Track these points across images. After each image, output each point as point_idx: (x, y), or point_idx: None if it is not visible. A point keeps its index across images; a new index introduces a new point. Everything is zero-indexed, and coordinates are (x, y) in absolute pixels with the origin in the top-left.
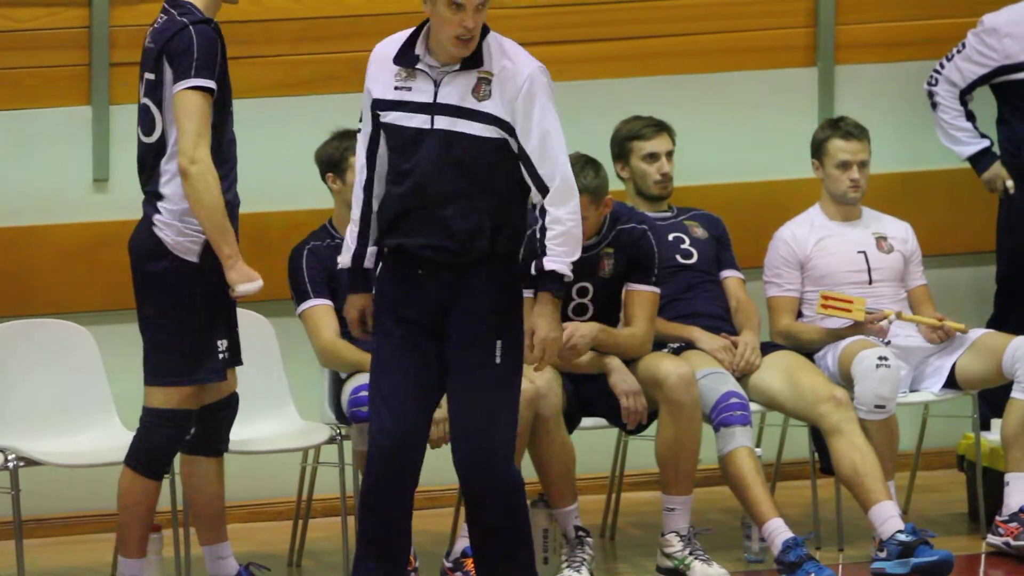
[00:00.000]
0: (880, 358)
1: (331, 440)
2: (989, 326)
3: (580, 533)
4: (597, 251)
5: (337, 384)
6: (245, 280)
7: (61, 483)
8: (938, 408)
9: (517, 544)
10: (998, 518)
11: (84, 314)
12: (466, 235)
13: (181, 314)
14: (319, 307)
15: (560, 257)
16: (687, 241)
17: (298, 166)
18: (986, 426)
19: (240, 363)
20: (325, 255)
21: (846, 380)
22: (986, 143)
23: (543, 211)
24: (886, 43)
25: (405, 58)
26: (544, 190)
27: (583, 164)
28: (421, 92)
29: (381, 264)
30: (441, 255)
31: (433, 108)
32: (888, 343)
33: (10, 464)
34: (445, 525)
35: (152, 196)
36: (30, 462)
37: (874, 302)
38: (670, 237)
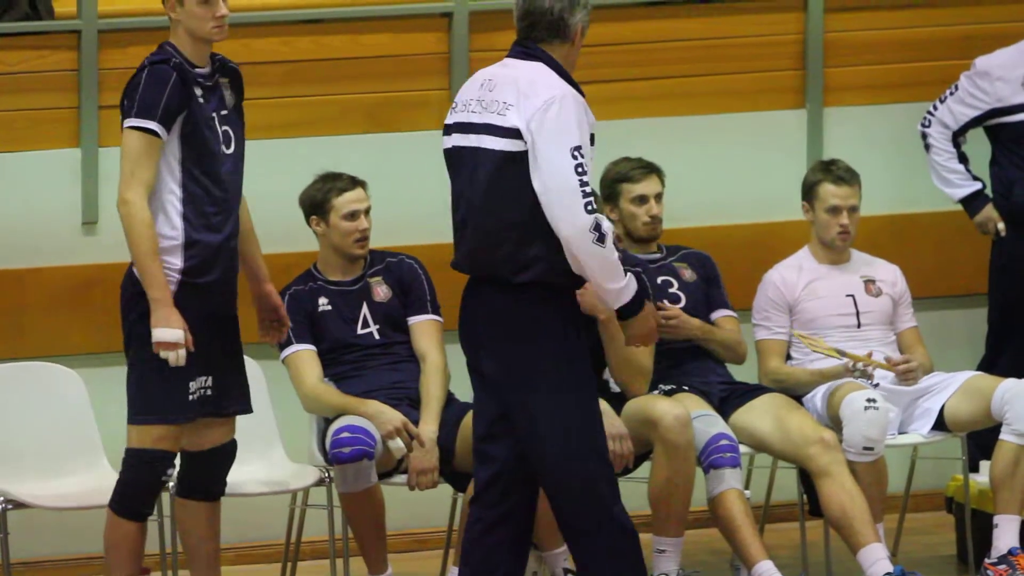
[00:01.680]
0: (868, 400)
1: (319, 482)
2: (980, 368)
3: (569, 575)
4: None
5: (325, 425)
6: (162, 325)
7: (49, 526)
8: (927, 450)
9: None
10: (987, 560)
11: (73, 357)
12: None
13: (151, 351)
14: (302, 352)
15: None
16: (675, 285)
17: (285, 209)
18: (975, 468)
19: (242, 411)
20: (306, 299)
21: (834, 422)
22: (978, 185)
23: None
24: (875, 85)
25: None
26: None
27: None
28: None
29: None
30: None
31: None
32: (876, 385)
33: None
34: (434, 567)
35: None
36: (18, 505)
37: (863, 345)
38: (659, 280)
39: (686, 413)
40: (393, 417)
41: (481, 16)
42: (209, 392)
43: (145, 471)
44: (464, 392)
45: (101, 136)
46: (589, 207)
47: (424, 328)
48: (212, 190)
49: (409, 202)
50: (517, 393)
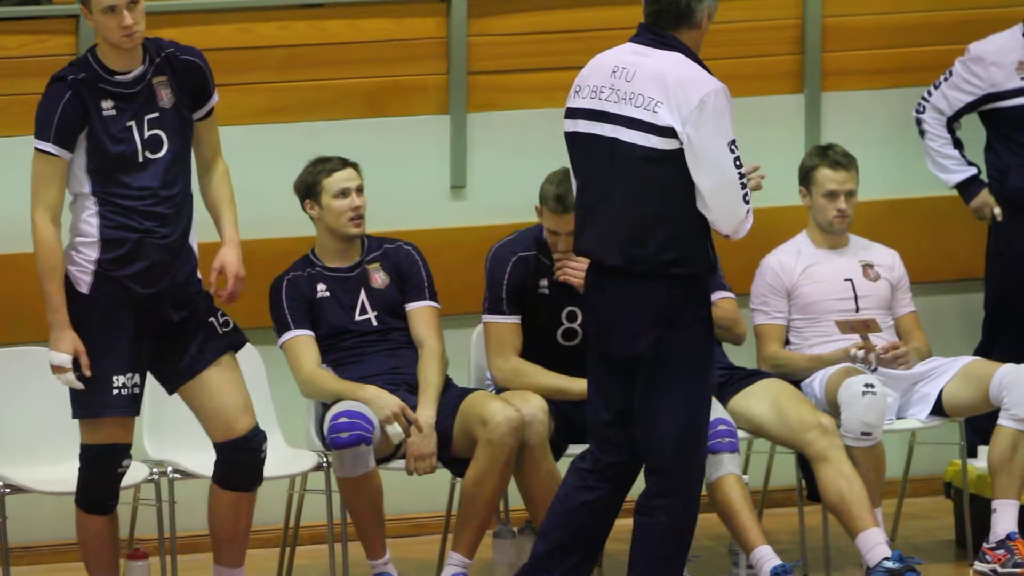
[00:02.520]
0: (866, 385)
1: (318, 467)
2: (977, 353)
3: None
4: None
5: (323, 411)
6: (53, 348)
7: (48, 510)
8: (925, 435)
9: None
10: (985, 545)
11: None
12: None
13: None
14: (300, 338)
15: None
16: None
17: (284, 193)
18: (973, 453)
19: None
20: (305, 285)
21: (832, 407)
22: (973, 171)
23: None
24: (873, 70)
25: None
26: None
27: (564, 176)
28: None
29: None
30: None
31: None
32: (875, 370)
33: None
34: (432, 552)
35: None
36: (17, 489)
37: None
38: None
39: None
40: (391, 402)
41: (479, 1)
42: (137, 392)
43: (97, 465)
44: (462, 378)
45: None
46: (746, 198)
47: (422, 314)
48: (127, 195)
49: (407, 187)
50: (655, 375)
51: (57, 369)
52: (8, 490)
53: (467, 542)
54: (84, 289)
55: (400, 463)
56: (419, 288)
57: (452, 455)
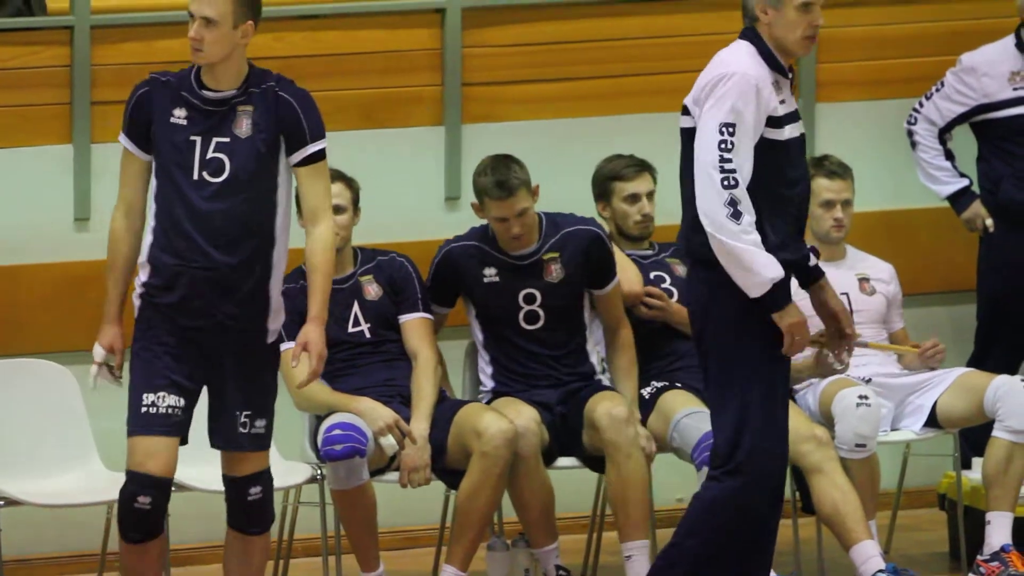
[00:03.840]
0: (860, 397)
1: (311, 480)
2: (969, 364)
3: (561, 572)
4: (539, 256)
5: (317, 423)
6: (98, 341)
7: (43, 523)
8: (919, 447)
9: None
10: (979, 557)
11: (66, 354)
12: None
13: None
14: (293, 350)
15: None
16: (668, 280)
17: None
18: (967, 465)
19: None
20: (297, 297)
21: (826, 419)
22: (965, 182)
23: None
24: (866, 81)
25: (779, 72)
26: None
27: (508, 162)
28: (790, 101)
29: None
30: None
31: (797, 114)
32: (869, 381)
33: None
34: (426, 565)
35: None
36: (11, 502)
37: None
38: (651, 275)
39: (625, 411)
40: (385, 414)
41: (474, 12)
42: (177, 413)
43: (124, 491)
44: (456, 390)
45: (93, 132)
46: (725, 183)
47: (415, 326)
48: (173, 212)
49: (402, 198)
50: (704, 364)
51: (95, 362)
52: (2, 503)
53: (461, 554)
54: (136, 313)
55: (394, 475)
56: (412, 300)
57: (446, 467)
